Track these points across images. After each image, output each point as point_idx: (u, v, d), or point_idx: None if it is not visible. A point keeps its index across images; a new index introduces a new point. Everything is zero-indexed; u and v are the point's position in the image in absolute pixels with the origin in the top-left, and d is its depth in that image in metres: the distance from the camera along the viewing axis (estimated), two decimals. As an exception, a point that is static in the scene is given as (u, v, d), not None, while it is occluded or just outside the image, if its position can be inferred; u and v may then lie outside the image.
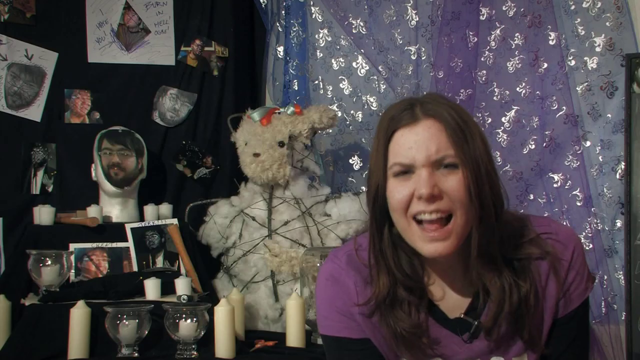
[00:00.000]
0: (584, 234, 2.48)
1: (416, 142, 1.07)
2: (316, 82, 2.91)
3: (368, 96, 2.84)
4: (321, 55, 2.91)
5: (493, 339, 1.13)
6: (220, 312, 2.06)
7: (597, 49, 2.49)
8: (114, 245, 2.48)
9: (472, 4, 2.61)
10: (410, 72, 2.75)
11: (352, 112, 2.87)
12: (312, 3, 2.91)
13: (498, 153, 2.61)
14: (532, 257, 1.12)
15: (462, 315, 1.16)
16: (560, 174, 2.54)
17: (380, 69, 2.78)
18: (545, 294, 1.14)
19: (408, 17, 2.76)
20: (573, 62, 2.52)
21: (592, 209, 2.47)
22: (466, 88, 2.62)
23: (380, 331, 1.17)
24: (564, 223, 2.49)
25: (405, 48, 2.76)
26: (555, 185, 2.55)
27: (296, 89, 2.92)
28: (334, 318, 1.20)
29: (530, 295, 1.11)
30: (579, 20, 2.51)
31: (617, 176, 2.46)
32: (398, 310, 1.14)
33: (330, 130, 2.80)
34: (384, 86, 2.80)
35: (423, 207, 1.05)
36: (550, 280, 1.14)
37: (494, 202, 1.08)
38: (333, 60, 2.90)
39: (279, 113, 2.60)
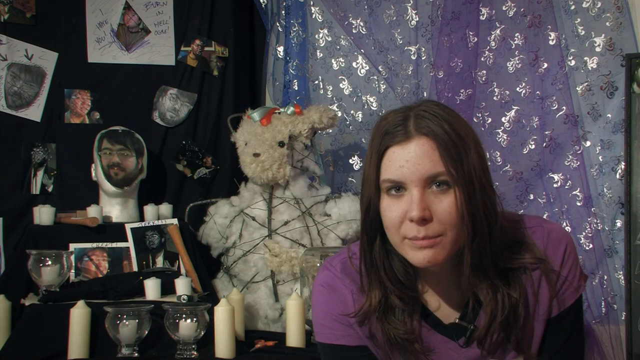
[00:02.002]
0: (584, 234, 2.48)
1: (408, 160, 1.06)
2: (316, 82, 2.91)
3: (368, 96, 2.84)
4: (321, 55, 2.91)
5: (485, 348, 1.14)
6: (220, 312, 2.05)
7: (597, 49, 2.49)
8: (114, 245, 2.48)
9: (472, 4, 2.61)
10: (410, 72, 2.75)
11: (352, 112, 2.87)
12: (312, 3, 2.91)
13: (498, 153, 2.61)
14: (526, 266, 1.12)
15: (457, 321, 1.16)
16: (560, 174, 2.54)
17: (380, 69, 2.78)
18: (539, 299, 1.14)
19: (408, 17, 2.76)
20: (573, 62, 2.52)
21: (592, 209, 2.47)
22: (466, 88, 2.62)
23: (376, 337, 1.17)
24: (564, 223, 2.49)
25: (405, 48, 2.76)
26: (555, 185, 2.55)
27: (296, 89, 2.92)
28: (331, 326, 1.20)
29: (519, 304, 1.11)
30: (579, 20, 2.51)
31: (617, 176, 2.46)
32: (391, 317, 1.14)
33: (330, 130, 2.80)
34: (384, 86, 2.80)
35: (415, 231, 1.05)
36: (542, 284, 1.14)
37: (488, 219, 1.07)
38: (333, 60, 2.90)
39: (279, 113, 2.60)
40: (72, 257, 2.38)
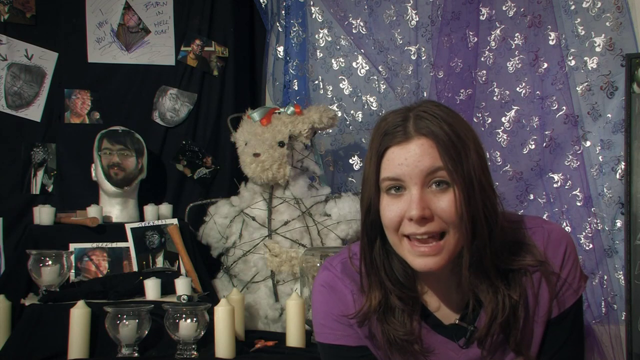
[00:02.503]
0: (584, 234, 2.48)
1: (407, 158, 1.06)
2: (316, 82, 2.91)
3: (368, 96, 2.84)
4: (321, 55, 2.91)
5: (486, 348, 1.14)
6: (220, 312, 2.05)
7: (597, 49, 2.49)
8: (114, 245, 2.48)
9: (472, 4, 2.61)
10: (410, 72, 2.75)
11: (352, 112, 2.87)
12: (312, 3, 2.91)
13: (498, 153, 2.61)
14: (526, 268, 1.12)
15: (457, 321, 1.16)
16: (560, 174, 2.54)
17: (380, 69, 2.78)
18: (539, 300, 1.14)
19: (408, 17, 2.76)
20: (573, 62, 2.52)
21: (592, 209, 2.47)
22: (466, 88, 2.62)
23: (375, 338, 1.17)
24: (564, 223, 2.49)
25: (405, 48, 2.76)
26: (555, 185, 2.55)
27: (296, 89, 2.92)
28: (331, 326, 1.20)
29: (519, 306, 1.11)
30: (579, 20, 2.51)
31: (617, 176, 2.46)
32: (391, 318, 1.14)
33: (330, 130, 2.80)
34: (384, 86, 2.80)
35: (414, 229, 1.05)
36: (542, 285, 1.14)
37: (488, 220, 1.07)
38: (333, 60, 2.90)
39: (279, 113, 2.60)
40: (72, 257, 2.38)
